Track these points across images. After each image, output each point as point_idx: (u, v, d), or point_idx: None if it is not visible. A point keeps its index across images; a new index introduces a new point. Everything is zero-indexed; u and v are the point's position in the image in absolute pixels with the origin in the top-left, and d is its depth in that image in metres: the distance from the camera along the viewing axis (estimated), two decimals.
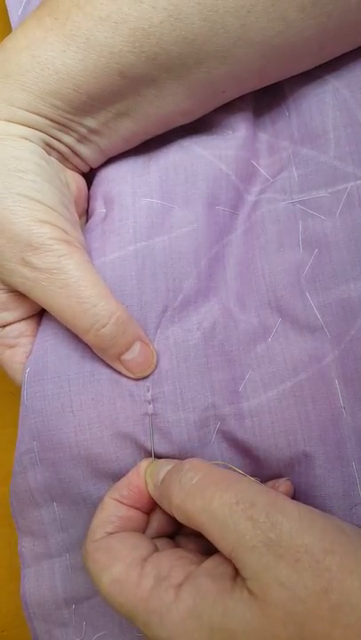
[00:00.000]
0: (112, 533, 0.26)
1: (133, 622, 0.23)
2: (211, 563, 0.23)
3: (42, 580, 0.30)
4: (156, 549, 0.26)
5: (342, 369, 0.28)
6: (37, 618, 0.30)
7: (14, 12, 0.36)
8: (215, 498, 0.23)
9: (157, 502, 0.26)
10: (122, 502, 0.27)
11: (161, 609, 0.22)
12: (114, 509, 0.26)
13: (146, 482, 0.27)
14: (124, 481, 0.27)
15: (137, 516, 0.27)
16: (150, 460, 0.28)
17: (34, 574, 0.30)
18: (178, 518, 0.24)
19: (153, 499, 0.27)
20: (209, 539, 0.23)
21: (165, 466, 0.26)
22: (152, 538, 0.27)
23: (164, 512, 0.26)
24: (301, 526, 0.22)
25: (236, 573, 0.22)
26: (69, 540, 0.30)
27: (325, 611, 0.20)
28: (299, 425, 0.27)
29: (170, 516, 0.26)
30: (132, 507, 0.27)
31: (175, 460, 0.27)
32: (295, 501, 0.23)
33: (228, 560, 0.23)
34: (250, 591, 0.21)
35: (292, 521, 0.22)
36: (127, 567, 0.23)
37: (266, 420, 0.28)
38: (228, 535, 0.22)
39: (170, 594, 0.22)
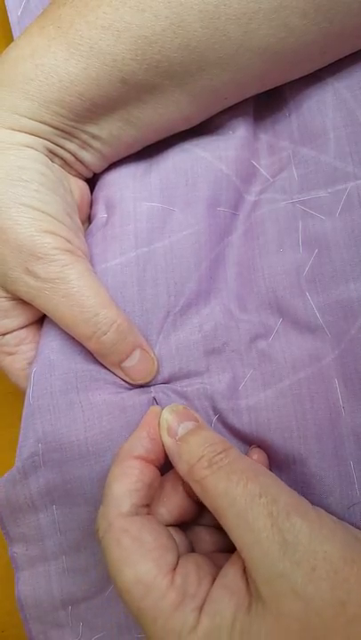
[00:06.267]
0: (138, 506, 0.24)
1: (143, 627, 0.22)
2: (223, 573, 0.23)
3: (37, 583, 0.30)
4: (178, 551, 0.25)
5: (342, 369, 0.28)
6: (33, 619, 0.30)
7: (14, 12, 0.36)
8: (240, 485, 0.22)
9: (169, 454, 0.26)
10: (148, 460, 0.25)
11: (182, 631, 0.21)
12: (140, 473, 0.25)
13: (160, 424, 0.26)
14: (141, 433, 0.26)
15: (157, 480, 0.26)
16: (159, 407, 0.28)
17: (28, 577, 0.30)
18: (193, 488, 0.24)
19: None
20: (221, 523, 0.22)
21: (185, 418, 0.26)
22: (168, 525, 0.26)
23: (178, 498, 0.26)
24: (321, 533, 0.21)
25: (247, 579, 0.22)
26: (66, 542, 0.29)
27: (341, 624, 0.20)
28: (295, 423, 0.28)
29: (184, 503, 0.26)
30: (155, 464, 0.26)
31: (192, 414, 0.27)
32: (317, 508, 0.23)
33: (237, 564, 0.22)
34: (263, 598, 0.20)
35: (312, 526, 0.21)
36: (158, 571, 0.22)
37: (262, 417, 0.28)
38: (244, 526, 0.21)
39: (194, 616, 0.21)
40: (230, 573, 0.22)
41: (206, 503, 0.23)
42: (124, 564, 0.22)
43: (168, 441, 0.26)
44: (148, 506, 0.25)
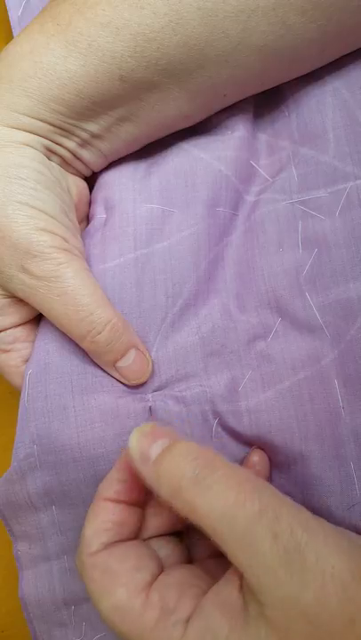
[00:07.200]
0: (109, 544, 0.24)
1: None
2: (216, 589, 0.22)
3: (40, 582, 0.30)
4: (160, 565, 0.24)
5: (342, 369, 0.28)
6: (37, 618, 0.30)
7: (14, 12, 0.36)
8: (238, 503, 0.20)
9: (146, 481, 0.23)
10: (117, 501, 0.24)
11: None
12: (108, 514, 0.24)
13: (130, 452, 0.23)
14: (112, 475, 0.25)
15: (133, 517, 0.25)
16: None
17: (32, 576, 0.30)
18: (180, 511, 0.22)
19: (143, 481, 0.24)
20: (219, 544, 0.21)
21: (156, 437, 0.23)
22: (151, 537, 0.26)
23: (168, 508, 0.25)
24: (327, 547, 0.20)
25: (244, 599, 0.21)
26: (67, 542, 0.29)
27: None
28: (296, 424, 0.28)
29: (174, 512, 0.25)
30: (127, 503, 0.25)
31: (164, 431, 0.24)
32: (317, 517, 0.22)
33: (233, 582, 0.21)
34: (267, 621, 0.19)
35: (317, 541, 0.20)
36: (129, 594, 0.22)
37: (263, 419, 0.28)
38: (248, 550, 0.20)
39: (178, 630, 0.21)
40: (224, 591, 0.21)
41: (198, 524, 0.21)
42: (101, 597, 0.22)
43: (143, 468, 0.23)
44: (123, 541, 0.24)
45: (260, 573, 0.20)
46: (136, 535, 0.26)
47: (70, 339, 0.28)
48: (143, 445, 0.23)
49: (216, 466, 0.22)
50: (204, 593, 0.22)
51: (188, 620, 0.21)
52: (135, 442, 0.23)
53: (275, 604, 0.19)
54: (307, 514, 0.21)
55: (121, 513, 0.24)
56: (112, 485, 0.25)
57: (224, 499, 0.21)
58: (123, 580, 0.22)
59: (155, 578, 0.23)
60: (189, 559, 0.27)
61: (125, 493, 0.25)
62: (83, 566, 0.23)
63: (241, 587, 0.21)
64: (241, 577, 0.21)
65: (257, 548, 0.20)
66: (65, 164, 0.30)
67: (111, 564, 0.23)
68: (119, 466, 0.25)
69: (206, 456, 0.22)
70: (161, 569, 0.24)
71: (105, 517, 0.24)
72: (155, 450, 0.23)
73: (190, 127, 0.32)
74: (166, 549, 0.26)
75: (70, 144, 0.29)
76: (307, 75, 0.31)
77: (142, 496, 0.25)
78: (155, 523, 0.26)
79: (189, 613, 0.21)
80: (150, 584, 0.23)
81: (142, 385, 0.29)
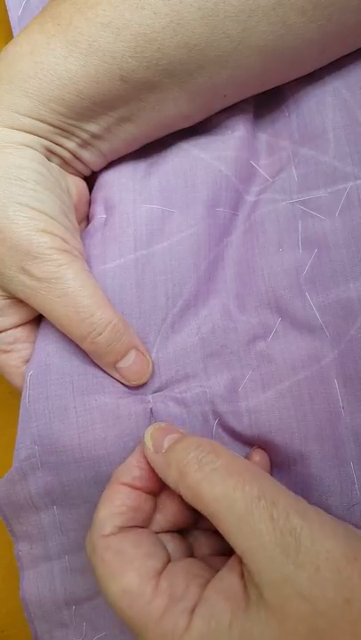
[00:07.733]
0: (122, 528, 0.24)
1: (137, 636, 0.22)
2: (219, 577, 0.22)
3: (41, 582, 0.30)
4: (168, 556, 0.25)
5: (342, 369, 0.28)
6: (38, 618, 0.30)
7: (14, 12, 0.36)
8: (238, 488, 0.22)
9: (158, 471, 0.25)
10: (134, 487, 0.25)
11: (174, 633, 0.21)
12: (124, 498, 0.25)
13: (144, 443, 0.25)
14: (131, 461, 0.26)
15: (147, 505, 0.25)
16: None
17: (32, 576, 0.30)
18: (185, 497, 0.23)
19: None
20: (219, 528, 0.22)
21: (169, 432, 0.26)
22: (160, 531, 0.26)
23: (174, 504, 0.26)
24: (323, 532, 0.21)
25: (245, 584, 0.21)
26: (68, 542, 0.29)
27: (347, 623, 0.19)
28: (295, 424, 0.28)
29: (179, 509, 0.26)
30: (143, 491, 0.25)
31: (177, 428, 0.27)
32: (316, 508, 0.22)
33: (234, 569, 0.22)
34: (266, 603, 0.20)
35: (312, 526, 0.21)
36: (140, 579, 0.22)
37: (263, 419, 0.28)
38: (246, 531, 0.21)
39: (184, 619, 0.21)
40: (226, 578, 0.22)
41: (200, 509, 0.22)
42: (109, 579, 0.22)
43: (155, 457, 0.25)
44: (136, 527, 0.25)
45: (256, 555, 0.20)
46: (147, 525, 0.26)
47: (71, 340, 0.28)
48: (157, 437, 0.25)
49: (219, 454, 0.23)
50: (208, 583, 0.23)
51: (193, 610, 0.21)
52: (150, 434, 0.26)
53: (271, 585, 0.20)
54: (304, 503, 0.22)
55: (137, 499, 0.25)
56: (131, 471, 0.25)
57: (224, 484, 0.22)
58: (135, 564, 0.23)
59: (164, 567, 0.23)
60: (192, 556, 0.27)
61: (143, 480, 0.25)
62: (93, 548, 0.24)
63: (242, 573, 0.22)
64: (241, 563, 0.22)
65: (255, 530, 0.21)
66: (65, 164, 0.30)
67: (125, 547, 0.23)
68: (139, 453, 0.26)
69: (210, 445, 0.24)
70: (168, 560, 0.25)
71: (120, 501, 0.25)
72: (167, 442, 0.25)
73: (190, 127, 0.32)
74: (171, 544, 0.26)
75: (70, 144, 0.29)
76: (307, 75, 0.31)
77: (157, 487, 0.26)
78: (161, 518, 0.26)
79: (195, 602, 0.22)
80: (160, 573, 0.23)
81: (143, 386, 0.29)
